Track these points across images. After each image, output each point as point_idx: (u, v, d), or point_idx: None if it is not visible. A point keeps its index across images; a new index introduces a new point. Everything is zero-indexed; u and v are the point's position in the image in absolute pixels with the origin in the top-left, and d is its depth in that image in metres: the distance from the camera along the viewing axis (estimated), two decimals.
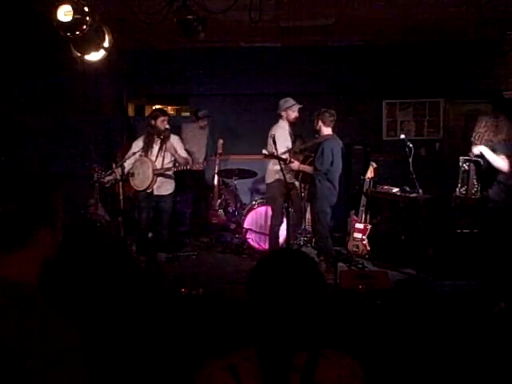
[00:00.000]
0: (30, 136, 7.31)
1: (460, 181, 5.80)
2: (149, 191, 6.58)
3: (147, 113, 10.44)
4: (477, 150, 5.42)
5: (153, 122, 6.48)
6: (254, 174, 7.77)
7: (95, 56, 4.60)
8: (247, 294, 1.61)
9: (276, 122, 6.72)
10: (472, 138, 5.45)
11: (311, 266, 1.65)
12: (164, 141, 6.46)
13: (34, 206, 1.46)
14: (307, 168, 6.43)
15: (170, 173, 6.56)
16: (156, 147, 6.49)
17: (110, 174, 6.40)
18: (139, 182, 6.48)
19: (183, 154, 6.63)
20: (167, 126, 6.51)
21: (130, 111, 9.59)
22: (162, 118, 6.50)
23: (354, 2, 5.93)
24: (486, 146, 5.29)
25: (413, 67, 8.50)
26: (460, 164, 5.76)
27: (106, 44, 4.56)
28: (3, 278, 1.38)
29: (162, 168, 6.45)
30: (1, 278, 1.38)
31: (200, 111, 8.08)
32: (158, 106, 10.54)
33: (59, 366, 1.28)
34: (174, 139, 6.62)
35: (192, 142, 7.99)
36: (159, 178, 6.51)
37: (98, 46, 4.48)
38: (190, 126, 8.40)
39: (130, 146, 6.66)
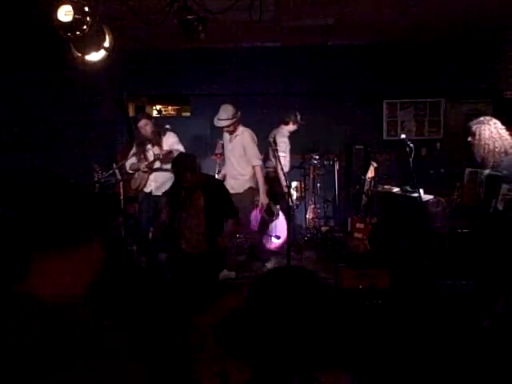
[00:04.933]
0: (31, 136, 7.32)
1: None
2: (147, 191, 6.58)
3: (148, 113, 10.45)
4: None
5: (138, 127, 6.45)
6: None
7: (96, 56, 4.60)
8: (246, 308, 1.58)
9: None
10: None
11: (311, 286, 1.60)
12: (154, 144, 6.42)
13: (89, 209, 1.42)
14: None
15: (167, 168, 6.51)
16: (150, 151, 6.46)
17: (111, 175, 6.40)
18: (134, 182, 6.53)
19: (180, 148, 6.57)
20: (150, 130, 6.39)
21: (131, 111, 9.58)
22: (143, 122, 6.40)
23: (354, 1, 5.94)
24: None
25: (413, 67, 8.50)
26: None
27: (107, 44, 4.56)
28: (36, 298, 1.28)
29: (152, 163, 6.41)
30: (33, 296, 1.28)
31: None
32: (158, 107, 10.56)
33: None
34: (169, 137, 6.55)
35: None
36: (159, 178, 6.51)
37: (98, 46, 4.48)
38: None
39: (130, 146, 6.65)
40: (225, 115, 6.21)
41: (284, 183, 6.41)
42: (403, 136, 6.22)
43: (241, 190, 6.40)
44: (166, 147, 6.44)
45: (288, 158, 7.22)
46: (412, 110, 8.97)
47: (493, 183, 4.66)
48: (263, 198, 6.50)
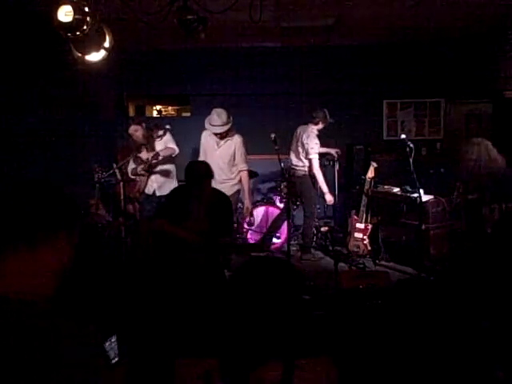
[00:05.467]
0: (31, 136, 7.31)
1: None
2: (149, 192, 6.59)
3: (148, 113, 10.45)
4: None
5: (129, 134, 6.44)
6: (255, 175, 7.79)
7: (96, 56, 4.59)
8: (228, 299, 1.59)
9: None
10: None
11: (286, 275, 1.63)
12: (148, 149, 6.42)
13: (54, 206, 1.39)
14: None
15: (167, 168, 6.53)
16: (145, 154, 6.46)
17: (111, 175, 6.41)
18: (136, 186, 6.58)
19: (173, 146, 6.56)
20: (141, 135, 6.38)
21: (131, 111, 9.59)
22: (133, 128, 6.38)
23: (354, 2, 5.94)
24: None
25: (413, 67, 8.51)
26: None
27: (107, 44, 4.55)
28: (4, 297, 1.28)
29: (148, 166, 6.42)
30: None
31: None
32: (158, 107, 10.56)
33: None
34: (163, 139, 6.52)
35: None
36: (160, 179, 6.52)
37: (98, 47, 4.48)
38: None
39: (130, 147, 6.65)
40: (220, 121, 6.11)
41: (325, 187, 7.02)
42: (403, 136, 6.23)
43: (229, 194, 6.22)
44: (163, 146, 6.46)
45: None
46: (412, 110, 8.97)
47: (474, 208, 4.67)
48: (248, 203, 6.49)
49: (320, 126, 7.18)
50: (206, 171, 4.68)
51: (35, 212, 1.36)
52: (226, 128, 6.17)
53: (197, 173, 4.65)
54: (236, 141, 6.35)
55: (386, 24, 6.98)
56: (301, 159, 7.18)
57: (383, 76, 8.60)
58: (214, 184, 5.94)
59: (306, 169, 7.19)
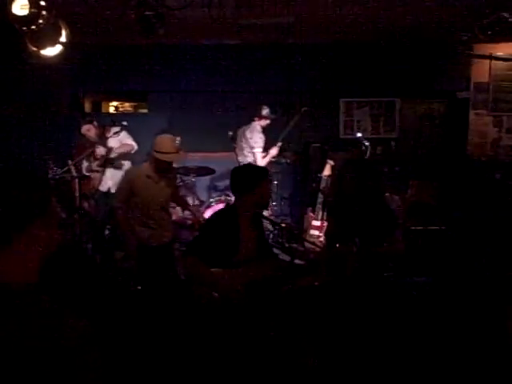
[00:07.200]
0: None
1: None
2: (103, 189, 6.53)
3: (104, 109, 10.34)
4: None
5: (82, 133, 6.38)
6: (212, 172, 7.80)
7: (51, 51, 4.54)
8: None
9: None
10: None
11: None
12: (103, 145, 6.37)
13: (27, 200, 1.39)
14: None
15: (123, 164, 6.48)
16: (99, 150, 6.40)
17: (66, 171, 6.32)
18: (90, 182, 6.52)
19: (131, 143, 6.52)
20: (93, 133, 6.33)
21: (87, 107, 9.46)
22: (85, 128, 6.33)
23: (314, 1, 5.98)
24: None
25: (370, 67, 8.62)
26: None
27: (63, 39, 4.50)
28: None
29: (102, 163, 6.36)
30: None
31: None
32: (115, 103, 10.46)
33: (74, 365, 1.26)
34: (119, 136, 6.48)
35: None
36: (116, 176, 6.46)
37: (54, 41, 4.42)
38: None
39: (84, 144, 6.57)
40: (173, 148, 5.00)
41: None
42: (359, 135, 6.36)
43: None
44: (118, 144, 6.41)
45: (264, 154, 7.28)
46: (368, 109, 9.10)
47: None
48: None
49: (263, 122, 7.32)
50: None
51: (9, 204, 1.36)
52: (180, 156, 5.65)
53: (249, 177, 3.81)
54: (175, 176, 5.66)
55: (344, 24, 7.05)
56: (245, 155, 7.22)
57: (340, 75, 8.69)
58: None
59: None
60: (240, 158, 7.30)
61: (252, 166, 4.30)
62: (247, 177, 3.77)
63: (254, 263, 3.60)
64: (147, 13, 4.55)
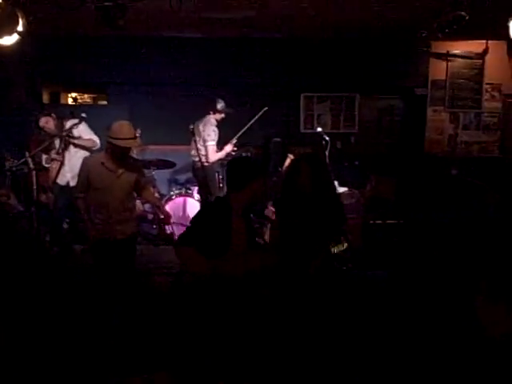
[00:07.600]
0: None
1: None
2: (62, 183, 6.44)
3: (63, 100, 10.17)
4: None
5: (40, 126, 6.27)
6: (173, 165, 7.77)
7: (8, 40, 4.47)
8: None
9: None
10: None
11: None
12: (61, 138, 6.27)
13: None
14: None
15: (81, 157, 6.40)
16: (57, 142, 6.31)
17: (23, 163, 6.21)
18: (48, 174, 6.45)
19: (93, 137, 6.44)
20: (52, 125, 6.25)
21: (45, 98, 9.29)
22: (43, 120, 6.23)
23: None
24: None
25: (330, 62, 8.71)
26: None
27: (20, 28, 4.43)
28: None
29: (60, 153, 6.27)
30: None
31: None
32: (74, 94, 10.30)
33: None
34: (78, 128, 6.35)
35: None
36: (75, 169, 6.37)
37: (11, 30, 4.35)
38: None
39: (42, 138, 6.46)
40: (130, 133, 4.70)
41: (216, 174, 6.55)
42: (319, 129, 6.40)
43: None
44: (77, 135, 6.33)
45: (217, 149, 7.26)
46: (328, 104, 9.19)
47: None
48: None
49: (217, 116, 7.29)
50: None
51: None
52: (138, 141, 5.60)
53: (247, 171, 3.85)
54: (139, 166, 5.26)
55: (305, 19, 7.09)
56: (199, 149, 7.10)
57: (301, 70, 8.75)
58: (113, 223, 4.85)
59: (205, 158, 7.16)
60: (192, 152, 7.21)
61: (249, 162, 4.28)
62: (243, 172, 3.77)
63: (248, 254, 3.67)
64: (107, 3, 4.51)
